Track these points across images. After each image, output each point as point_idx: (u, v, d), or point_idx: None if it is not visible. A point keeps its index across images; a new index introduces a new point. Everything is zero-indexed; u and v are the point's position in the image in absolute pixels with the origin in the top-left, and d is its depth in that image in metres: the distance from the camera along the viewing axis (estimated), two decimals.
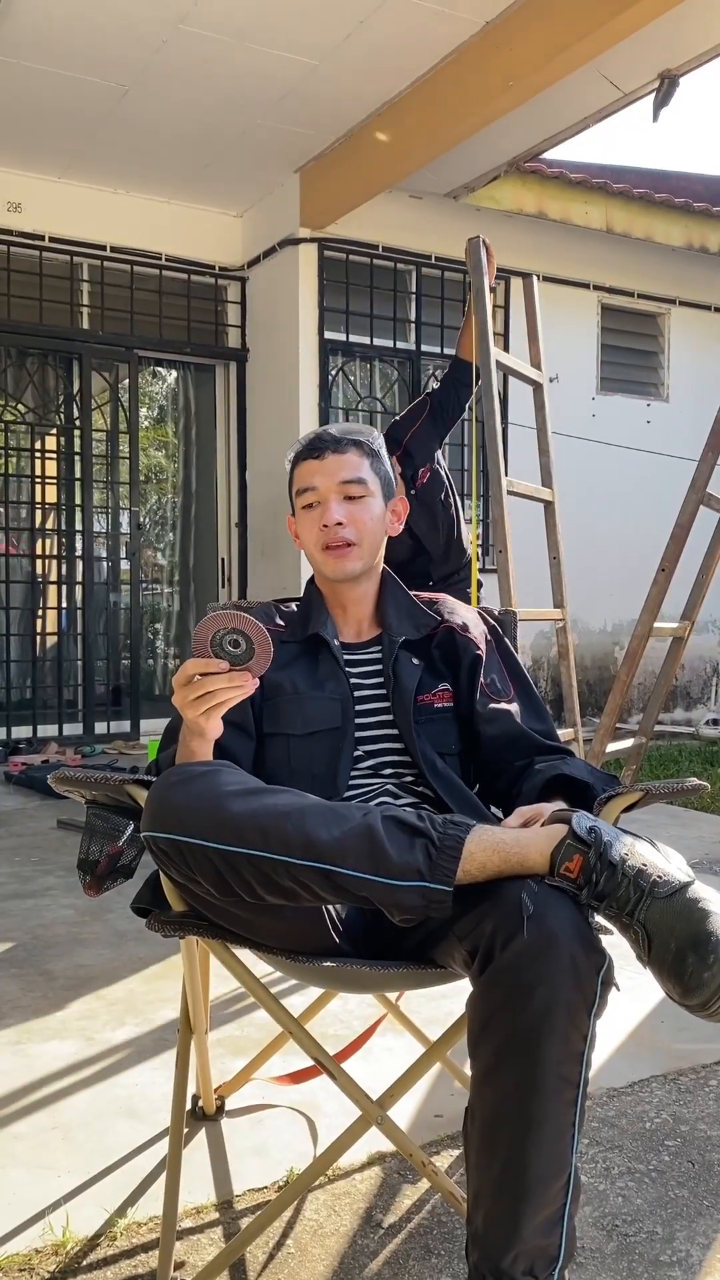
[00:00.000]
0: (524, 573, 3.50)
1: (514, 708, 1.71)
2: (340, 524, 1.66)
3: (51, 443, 6.91)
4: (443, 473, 3.61)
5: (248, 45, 4.73)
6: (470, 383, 3.50)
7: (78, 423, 6.49)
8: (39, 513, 6.76)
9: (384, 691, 1.68)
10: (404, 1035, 2.16)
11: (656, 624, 3.67)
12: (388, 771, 1.65)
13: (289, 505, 1.77)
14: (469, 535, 3.71)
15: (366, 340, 6.54)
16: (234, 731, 1.60)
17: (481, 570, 3.77)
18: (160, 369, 7.56)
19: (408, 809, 1.34)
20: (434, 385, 3.72)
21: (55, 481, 6.75)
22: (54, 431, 6.84)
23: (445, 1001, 2.40)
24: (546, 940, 1.20)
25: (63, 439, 6.76)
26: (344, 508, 1.67)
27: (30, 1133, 1.90)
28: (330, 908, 1.41)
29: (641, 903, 1.20)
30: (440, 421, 3.58)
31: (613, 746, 3.75)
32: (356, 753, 1.64)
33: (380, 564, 1.77)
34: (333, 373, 6.43)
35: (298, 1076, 1.94)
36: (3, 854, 3.90)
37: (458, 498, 3.68)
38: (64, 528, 6.72)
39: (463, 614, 1.79)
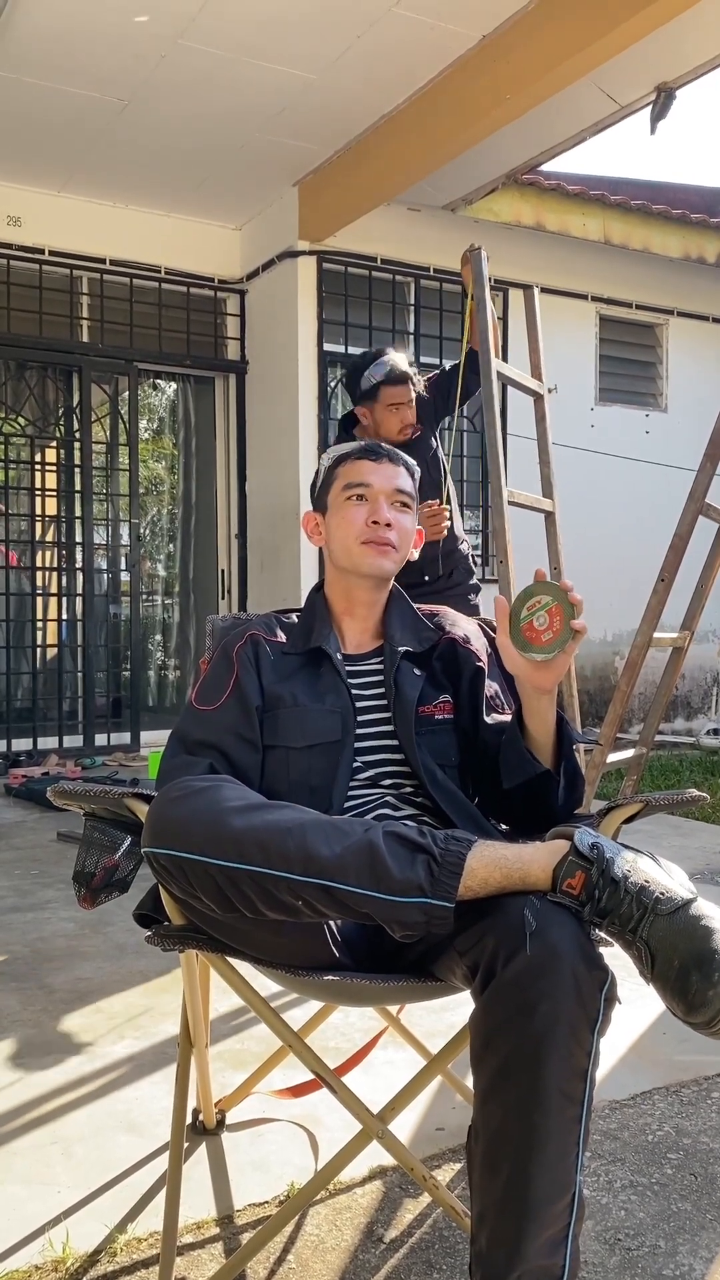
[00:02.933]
0: (525, 583, 3.48)
1: None
2: (389, 525, 1.70)
3: (51, 455, 6.92)
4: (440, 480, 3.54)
5: (245, 59, 4.75)
6: (476, 372, 3.45)
7: (77, 435, 6.50)
8: (39, 525, 6.77)
9: (385, 702, 1.68)
10: (405, 1048, 2.15)
11: (656, 634, 3.67)
12: (387, 782, 1.64)
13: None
14: (460, 530, 3.64)
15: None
16: (242, 745, 1.60)
17: (482, 580, 3.76)
18: (160, 381, 7.58)
19: (409, 823, 1.34)
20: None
21: (55, 494, 6.76)
22: (54, 444, 6.85)
23: (446, 1014, 2.40)
24: (549, 957, 1.20)
25: (62, 451, 6.77)
26: (393, 513, 1.72)
27: (30, 1148, 1.89)
28: (330, 922, 1.41)
29: (644, 920, 1.20)
30: (439, 396, 3.54)
31: (613, 757, 3.74)
32: (355, 764, 1.64)
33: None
34: (332, 384, 6.44)
35: (298, 1090, 1.94)
36: (2, 867, 3.89)
37: (452, 500, 3.61)
38: (64, 540, 6.72)
39: (464, 626, 1.80)
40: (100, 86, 5.00)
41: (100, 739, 6.51)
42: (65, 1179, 1.79)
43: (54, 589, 6.76)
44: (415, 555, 1.81)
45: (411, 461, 1.80)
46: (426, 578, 3.45)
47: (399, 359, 3.40)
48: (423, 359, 6.79)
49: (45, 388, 6.66)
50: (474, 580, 3.64)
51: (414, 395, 3.39)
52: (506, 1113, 1.20)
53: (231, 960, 1.44)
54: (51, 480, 6.78)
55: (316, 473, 1.84)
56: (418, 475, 1.80)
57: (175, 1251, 1.53)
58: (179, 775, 1.47)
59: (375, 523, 1.69)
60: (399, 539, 1.72)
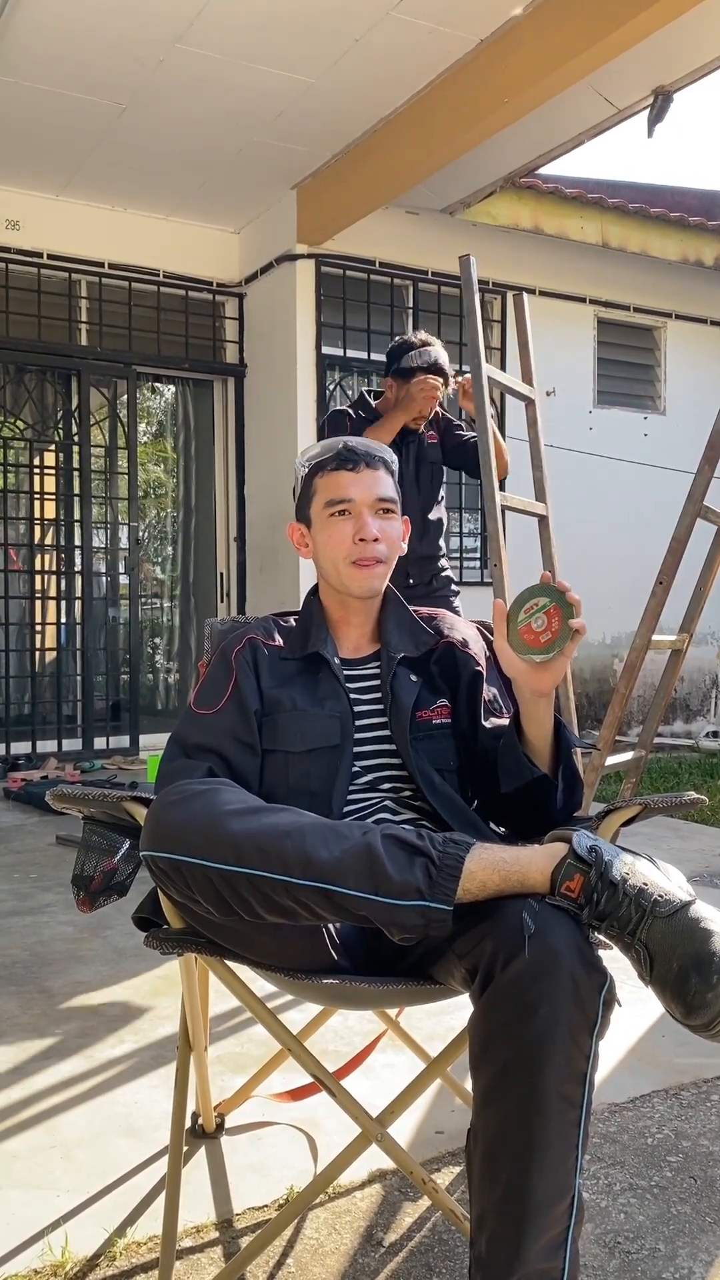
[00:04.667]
0: (521, 587, 3.48)
1: None
2: (376, 540, 1.66)
3: (50, 459, 6.92)
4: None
5: (244, 64, 4.76)
6: (475, 469, 3.55)
7: (76, 438, 6.51)
8: (38, 528, 6.77)
9: (382, 708, 1.68)
10: (404, 1051, 2.15)
11: (655, 636, 3.67)
12: (385, 787, 1.64)
13: (290, 515, 1.76)
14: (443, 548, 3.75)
15: (364, 355, 6.55)
16: (241, 749, 1.59)
17: (478, 584, 3.77)
18: (159, 385, 7.58)
19: (407, 827, 1.34)
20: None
21: (54, 497, 6.76)
22: (53, 447, 6.85)
23: (445, 1017, 2.40)
24: (548, 960, 1.20)
25: (61, 455, 6.78)
26: (377, 523, 1.67)
27: (28, 1151, 1.89)
28: (329, 925, 1.41)
29: (643, 922, 1.20)
30: (452, 448, 3.71)
31: (612, 759, 3.74)
32: (354, 768, 1.63)
33: None
34: (330, 388, 6.45)
35: (298, 1094, 1.94)
36: (1, 870, 3.89)
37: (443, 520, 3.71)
38: (63, 543, 6.73)
39: (462, 630, 1.80)
40: (99, 90, 5.00)
41: (99, 742, 6.51)
42: (64, 1182, 1.79)
43: (53, 592, 6.76)
44: (403, 550, 1.78)
45: (387, 454, 1.73)
46: (411, 581, 3.51)
47: (443, 356, 3.57)
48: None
49: (44, 391, 6.67)
50: (455, 587, 3.75)
51: (442, 396, 3.57)
52: (506, 1116, 1.20)
53: (230, 963, 1.44)
54: (50, 484, 6.79)
55: (295, 479, 1.77)
56: (395, 465, 1.74)
57: (174, 1255, 1.53)
58: (177, 779, 1.47)
59: (363, 540, 1.65)
60: (387, 550, 1.68)
